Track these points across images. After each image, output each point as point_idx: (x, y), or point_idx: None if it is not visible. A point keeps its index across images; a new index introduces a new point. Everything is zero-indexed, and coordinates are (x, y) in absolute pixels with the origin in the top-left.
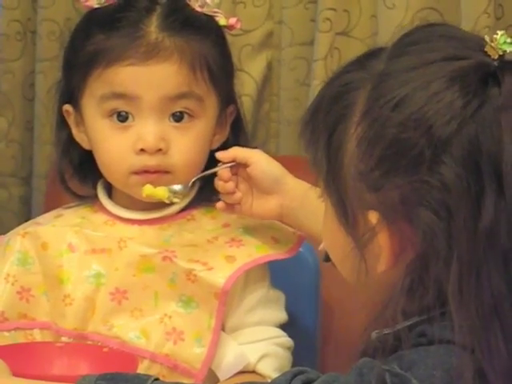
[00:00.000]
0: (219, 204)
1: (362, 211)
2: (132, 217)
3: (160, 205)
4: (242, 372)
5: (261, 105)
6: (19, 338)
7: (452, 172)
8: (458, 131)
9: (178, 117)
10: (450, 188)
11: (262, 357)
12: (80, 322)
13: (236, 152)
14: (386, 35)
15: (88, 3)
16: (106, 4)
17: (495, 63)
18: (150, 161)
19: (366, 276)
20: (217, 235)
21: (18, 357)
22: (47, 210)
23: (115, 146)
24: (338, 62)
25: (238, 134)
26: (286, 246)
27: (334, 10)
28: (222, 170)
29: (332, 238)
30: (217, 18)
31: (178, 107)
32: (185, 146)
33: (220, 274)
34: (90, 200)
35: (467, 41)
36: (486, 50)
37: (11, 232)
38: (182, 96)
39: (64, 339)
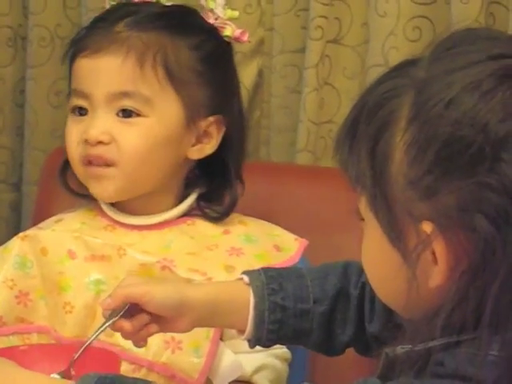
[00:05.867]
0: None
1: (413, 223)
2: (132, 222)
3: (160, 209)
4: (237, 381)
5: (252, 112)
6: (16, 342)
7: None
8: None
9: (126, 113)
10: (510, 191)
11: (259, 368)
12: (80, 330)
13: (124, 295)
14: (378, 43)
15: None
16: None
17: None
18: (92, 150)
19: (417, 293)
20: (217, 242)
21: None
22: (37, 216)
23: (70, 137)
24: (329, 70)
25: (226, 151)
26: (286, 254)
27: (326, 17)
28: (120, 323)
29: (374, 260)
30: (222, 29)
31: (124, 104)
32: (131, 140)
33: None
34: (92, 203)
35: (510, 40)
36: None
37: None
38: (125, 94)
39: None
